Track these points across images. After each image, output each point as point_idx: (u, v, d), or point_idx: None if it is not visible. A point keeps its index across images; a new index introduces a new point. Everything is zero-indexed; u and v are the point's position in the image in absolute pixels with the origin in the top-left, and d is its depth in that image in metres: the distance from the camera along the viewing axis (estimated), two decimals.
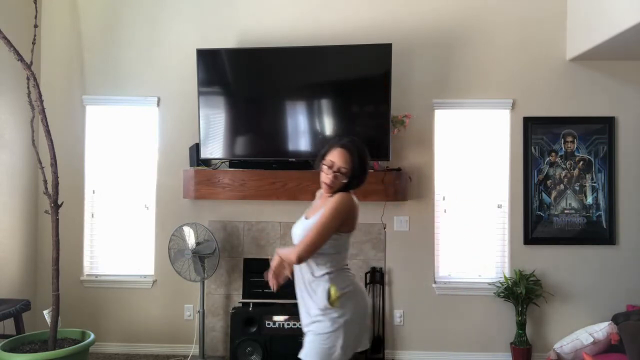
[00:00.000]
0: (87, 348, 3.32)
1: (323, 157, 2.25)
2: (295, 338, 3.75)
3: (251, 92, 4.03)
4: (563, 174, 4.12)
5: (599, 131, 4.11)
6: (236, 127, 4.05)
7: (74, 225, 4.21)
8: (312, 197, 3.85)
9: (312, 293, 2.22)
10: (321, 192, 2.35)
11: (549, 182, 4.12)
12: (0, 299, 3.62)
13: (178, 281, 4.08)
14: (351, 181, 2.24)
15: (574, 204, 4.11)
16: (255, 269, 4.15)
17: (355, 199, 2.27)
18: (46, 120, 3.33)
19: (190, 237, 3.87)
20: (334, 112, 3.97)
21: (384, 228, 4.14)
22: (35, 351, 3.22)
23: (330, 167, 2.20)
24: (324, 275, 2.20)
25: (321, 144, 3.91)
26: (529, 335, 4.01)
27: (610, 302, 4.04)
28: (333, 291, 2.16)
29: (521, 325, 3.95)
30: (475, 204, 4.18)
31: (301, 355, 2.22)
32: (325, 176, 2.21)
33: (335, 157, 2.21)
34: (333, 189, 2.21)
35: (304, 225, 2.24)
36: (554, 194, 4.12)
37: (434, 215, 4.16)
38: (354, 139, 2.31)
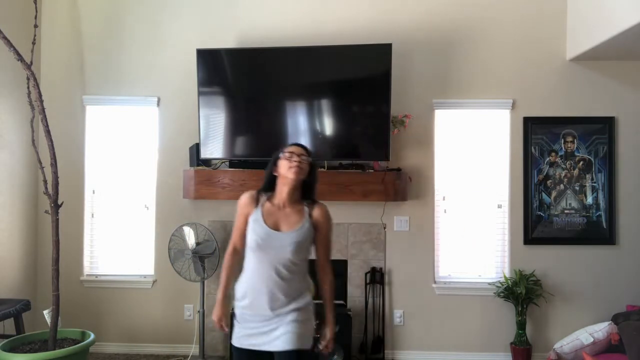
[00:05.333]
0: (87, 348, 3.32)
1: (274, 162, 2.28)
2: None
3: (251, 92, 4.02)
4: (563, 174, 4.12)
5: (599, 131, 4.11)
6: (236, 127, 4.05)
7: (74, 225, 4.21)
8: None
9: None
10: (251, 195, 2.31)
11: (549, 182, 4.12)
12: (0, 299, 3.62)
13: (178, 281, 4.09)
14: (312, 176, 2.29)
15: (574, 204, 4.11)
16: None
17: None
18: (46, 120, 3.33)
19: (190, 237, 3.87)
20: (334, 112, 3.97)
21: (384, 228, 4.14)
22: (35, 351, 3.22)
23: (291, 156, 2.23)
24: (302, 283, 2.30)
25: (321, 144, 3.94)
26: (529, 335, 4.01)
27: (610, 302, 4.04)
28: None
29: (521, 325, 3.95)
30: (475, 204, 4.18)
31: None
32: (290, 163, 2.21)
33: (292, 149, 2.27)
34: (302, 172, 2.23)
35: (287, 242, 2.21)
36: (554, 194, 4.12)
37: (434, 215, 4.16)
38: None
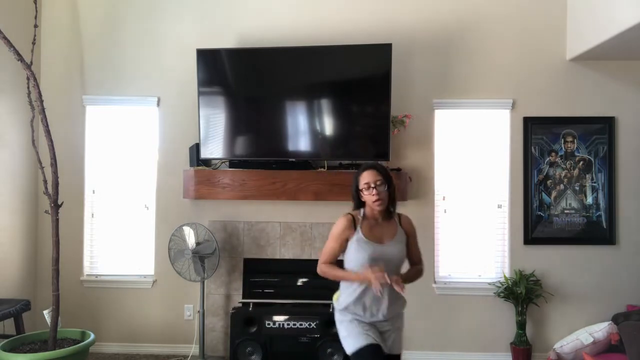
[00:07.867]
0: (87, 348, 3.33)
1: (357, 187, 2.50)
2: (295, 338, 3.77)
3: (251, 92, 4.03)
4: (563, 174, 4.12)
5: (599, 131, 4.11)
6: (236, 127, 4.05)
7: (74, 225, 4.21)
8: (312, 197, 3.91)
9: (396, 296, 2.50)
10: (348, 220, 2.51)
11: (549, 182, 4.12)
12: (0, 299, 3.62)
13: (178, 281, 4.09)
14: (390, 188, 2.50)
15: (574, 204, 4.11)
16: (255, 269, 4.15)
17: None
18: (46, 120, 3.33)
19: (190, 237, 3.87)
20: (334, 112, 3.97)
21: None
22: (35, 351, 3.23)
23: (368, 187, 2.44)
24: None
25: (321, 144, 3.94)
26: (529, 335, 4.01)
27: (610, 302, 4.04)
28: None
29: (521, 325, 3.95)
30: (475, 204, 4.18)
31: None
32: (371, 196, 2.44)
33: (366, 178, 2.46)
34: (384, 202, 2.47)
35: (393, 250, 2.49)
36: (554, 194, 4.12)
37: (434, 215, 4.16)
38: (368, 162, 2.61)
